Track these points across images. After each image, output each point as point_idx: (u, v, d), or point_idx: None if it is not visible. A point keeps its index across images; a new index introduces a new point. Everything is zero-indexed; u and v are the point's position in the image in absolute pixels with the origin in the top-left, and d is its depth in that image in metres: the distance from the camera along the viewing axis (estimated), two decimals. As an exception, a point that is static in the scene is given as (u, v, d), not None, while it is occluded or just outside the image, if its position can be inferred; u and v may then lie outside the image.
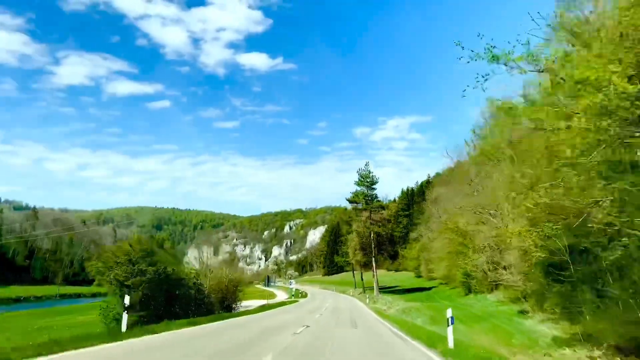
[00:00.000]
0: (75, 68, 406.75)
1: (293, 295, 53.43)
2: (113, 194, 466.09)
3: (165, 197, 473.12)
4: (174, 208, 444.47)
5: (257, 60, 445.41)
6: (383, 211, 55.99)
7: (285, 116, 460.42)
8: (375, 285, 48.58)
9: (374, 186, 54.01)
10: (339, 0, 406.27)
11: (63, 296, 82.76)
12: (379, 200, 55.50)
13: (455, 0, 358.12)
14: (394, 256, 71.57)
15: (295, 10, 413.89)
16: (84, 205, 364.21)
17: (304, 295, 55.42)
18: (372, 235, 52.47)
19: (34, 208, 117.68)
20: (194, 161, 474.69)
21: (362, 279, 58.53)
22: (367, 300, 38.15)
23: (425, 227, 53.34)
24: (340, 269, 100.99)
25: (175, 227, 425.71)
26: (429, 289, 44.49)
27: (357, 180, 54.56)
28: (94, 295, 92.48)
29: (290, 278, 62.28)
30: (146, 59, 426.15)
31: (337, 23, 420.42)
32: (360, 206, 55.22)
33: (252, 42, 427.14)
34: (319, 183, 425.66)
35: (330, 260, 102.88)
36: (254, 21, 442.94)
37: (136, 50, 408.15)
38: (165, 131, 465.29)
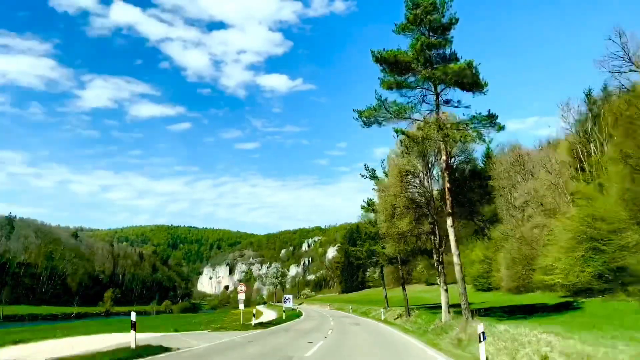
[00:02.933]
0: (100, 91, 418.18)
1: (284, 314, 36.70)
2: (134, 215, 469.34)
3: (184, 218, 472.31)
4: (190, 227, 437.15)
5: (277, 82, 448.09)
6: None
7: (304, 137, 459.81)
8: (444, 296, 20.87)
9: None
10: (357, 21, 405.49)
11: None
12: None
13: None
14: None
15: (314, 32, 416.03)
16: (105, 227, 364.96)
17: (298, 314, 41.31)
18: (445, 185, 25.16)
19: (10, 216, 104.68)
20: (215, 182, 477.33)
21: (403, 291, 33.14)
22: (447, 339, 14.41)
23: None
24: (361, 285, 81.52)
25: (191, 245, 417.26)
26: (558, 306, 22.19)
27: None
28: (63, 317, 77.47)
29: (285, 299, 43.63)
30: (168, 81, 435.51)
31: (356, 43, 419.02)
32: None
33: (272, 64, 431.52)
34: (338, 203, 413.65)
35: (349, 273, 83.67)
36: (274, 43, 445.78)
37: (158, 73, 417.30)
38: (186, 153, 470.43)
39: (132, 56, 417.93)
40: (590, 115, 35.26)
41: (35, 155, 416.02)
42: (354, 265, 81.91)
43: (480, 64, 15.78)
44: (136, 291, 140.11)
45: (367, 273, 78.93)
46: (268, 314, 43.59)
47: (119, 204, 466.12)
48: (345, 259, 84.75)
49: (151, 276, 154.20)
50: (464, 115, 17.34)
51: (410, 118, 17.62)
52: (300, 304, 78.54)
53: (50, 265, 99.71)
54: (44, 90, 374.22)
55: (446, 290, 20.80)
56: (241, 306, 27.52)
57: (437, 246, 21.93)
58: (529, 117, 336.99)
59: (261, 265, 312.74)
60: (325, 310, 51.46)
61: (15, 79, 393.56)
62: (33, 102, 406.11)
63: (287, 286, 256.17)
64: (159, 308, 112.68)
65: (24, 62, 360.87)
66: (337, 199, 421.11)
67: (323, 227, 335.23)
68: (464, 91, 16.96)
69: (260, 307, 63.14)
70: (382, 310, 33.90)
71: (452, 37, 16.95)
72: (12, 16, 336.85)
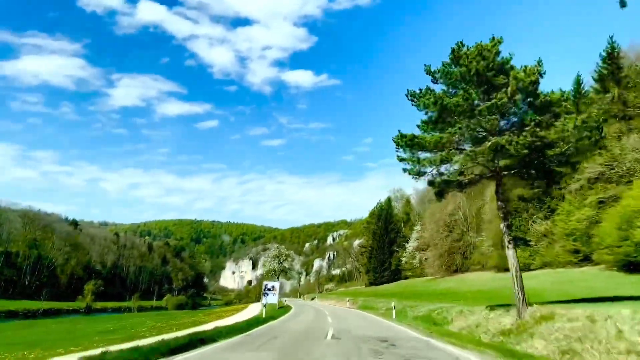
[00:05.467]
0: (128, 90, 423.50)
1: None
2: (163, 212, 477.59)
3: (212, 215, 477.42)
4: (213, 221, 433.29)
5: (303, 78, 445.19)
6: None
7: (330, 133, 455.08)
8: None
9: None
10: (381, 14, 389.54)
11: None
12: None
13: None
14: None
15: (339, 26, 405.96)
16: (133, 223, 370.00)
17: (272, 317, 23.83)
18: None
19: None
20: (241, 180, 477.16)
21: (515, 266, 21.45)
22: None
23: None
24: (394, 275, 63.11)
25: (214, 240, 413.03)
26: None
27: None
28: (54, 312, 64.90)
29: (266, 289, 25.66)
30: (194, 79, 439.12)
31: (380, 36, 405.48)
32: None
33: (297, 60, 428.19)
34: (364, 200, 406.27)
35: (379, 260, 65.21)
36: (298, 39, 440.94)
37: (185, 70, 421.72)
38: (213, 150, 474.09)
39: (159, 54, 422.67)
40: None
41: (66, 154, 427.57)
42: (385, 248, 63.56)
43: None
44: (142, 284, 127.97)
45: (404, 259, 60.62)
46: (247, 313, 26.85)
47: (147, 202, 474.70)
48: (374, 241, 66.52)
49: (161, 268, 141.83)
50: None
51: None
52: (312, 299, 61.64)
53: (34, 255, 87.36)
54: (75, 89, 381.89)
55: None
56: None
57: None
58: None
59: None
60: (336, 310, 31.61)
61: (47, 79, 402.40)
62: (64, 101, 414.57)
63: (311, 279, 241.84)
64: (159, 303, 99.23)
65: (55, 62, 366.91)
66: (363, 195, 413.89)
67: (349, 220, 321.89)
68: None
69: (255, 305, 46.54)
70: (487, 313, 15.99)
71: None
72: (43, 17, 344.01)
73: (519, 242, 39.00)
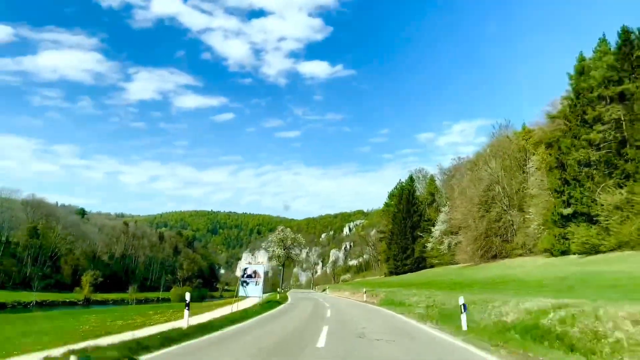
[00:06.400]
0: (145, 84, 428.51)
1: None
2: (181, 204, 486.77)
3: (230, 207, 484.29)
4: (229, 212, 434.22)
5: (318, 68, 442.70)
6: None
7: (346, 124, 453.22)
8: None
9: None
10: (397, 4, 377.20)
11: None
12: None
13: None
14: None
15: (354, 16, 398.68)
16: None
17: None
18: None
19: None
20: (258, 172, 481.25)
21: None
22: None
23: None
24: (418, 263, 55.17)
25: (230, 231, 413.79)
26: None
27: None
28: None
29: (245, 276, 17.81)
30: (210, 72, 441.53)
31: (396, 25, 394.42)
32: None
33: (312, 50, 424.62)
34: (381, 191, 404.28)
35: (400, 246, 57.19)
36: (314, 29, 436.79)
37: (201, 64, 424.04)
38: (230, 143, 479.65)
39: (174, 47, 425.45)
40: None
41: (85, 148, 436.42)
42: (407, 233, 55.66)
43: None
44: (152, 275, 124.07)
45: (429, 245, 52.88)
46: (228, 309, 20.02)
47: (166, 194, 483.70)
48: (395, 225, 58.55)
49: (172, 258, 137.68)
50: None
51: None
52: (323, 290, 54.44)
53: (35, 245, 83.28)
54: (93, 84, 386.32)
55: None
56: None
57: None
58: None
59: (300, 251, 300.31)
60: (347, 307, 23.86)
61: (66, 74, 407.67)
62: (82, 96, 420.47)
63: (328, 270, 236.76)
64: (166, 295, 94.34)
65: (73, 57, 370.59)
66: (380, 186, 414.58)
67: (365, 210, 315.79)
68: None
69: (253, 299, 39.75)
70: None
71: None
72: (60, 12, 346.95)
73: (581, 217, 30.94)
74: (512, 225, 39.98)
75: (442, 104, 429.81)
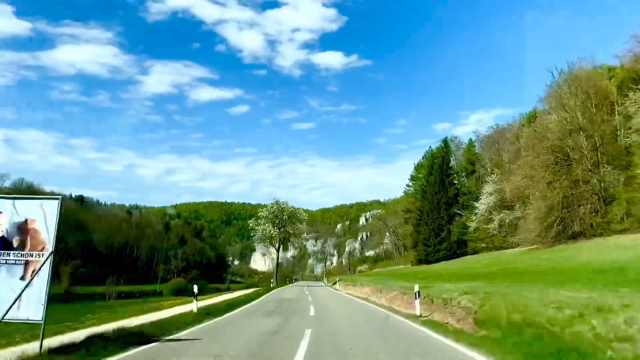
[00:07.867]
0: (161, 77, 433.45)
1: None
2: (198, 196, 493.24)
3: (246, 199, 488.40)
4: (244, 203, 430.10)
5: (332, 59, 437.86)
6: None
7: (361, 115, 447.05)
8: None
9: None
10: None
11: None
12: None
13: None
14: None
15: (369, 5, 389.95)
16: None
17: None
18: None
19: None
20: (273, 163, 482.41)
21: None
22: None
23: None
24: (457, 248, 42.87)
25: (244, 222, 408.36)
26: None
27: None
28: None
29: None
30: (225, 64, 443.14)
31: (411, 14, 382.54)
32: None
33: (326, 41, 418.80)
34: (397, 182, 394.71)
35: (432, 229, 44.82)
36: (328, 19, 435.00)
37: (215, 56, 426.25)
38: (245, 135, 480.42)
39: (189, 40, 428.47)
40: None
41: (103, 141, 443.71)
42: (442, 211, 43.48)
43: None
44: (156, 266, 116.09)
45: (472, 225, 40.99)
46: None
47: (183, 186, 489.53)
48: (425, 201, 46.40)
49: (177, 249, 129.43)
50: None
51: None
52: (334, 284, 42.98)
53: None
54: (109, 77, 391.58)
55: None
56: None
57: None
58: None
59: (316, 241, 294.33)
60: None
61: (83, 68, 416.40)
62: (99, 89, 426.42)
63: (344, 261, 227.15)
64: (163, 287, 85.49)
65: (90, 51, 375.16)
66: (396, 177, 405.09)
67: (382, 200, 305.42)
68: None
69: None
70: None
71: None
72: (76, 6, 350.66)
73: None
74: (605, 189, 27.94)
75: (459, 93, 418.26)
